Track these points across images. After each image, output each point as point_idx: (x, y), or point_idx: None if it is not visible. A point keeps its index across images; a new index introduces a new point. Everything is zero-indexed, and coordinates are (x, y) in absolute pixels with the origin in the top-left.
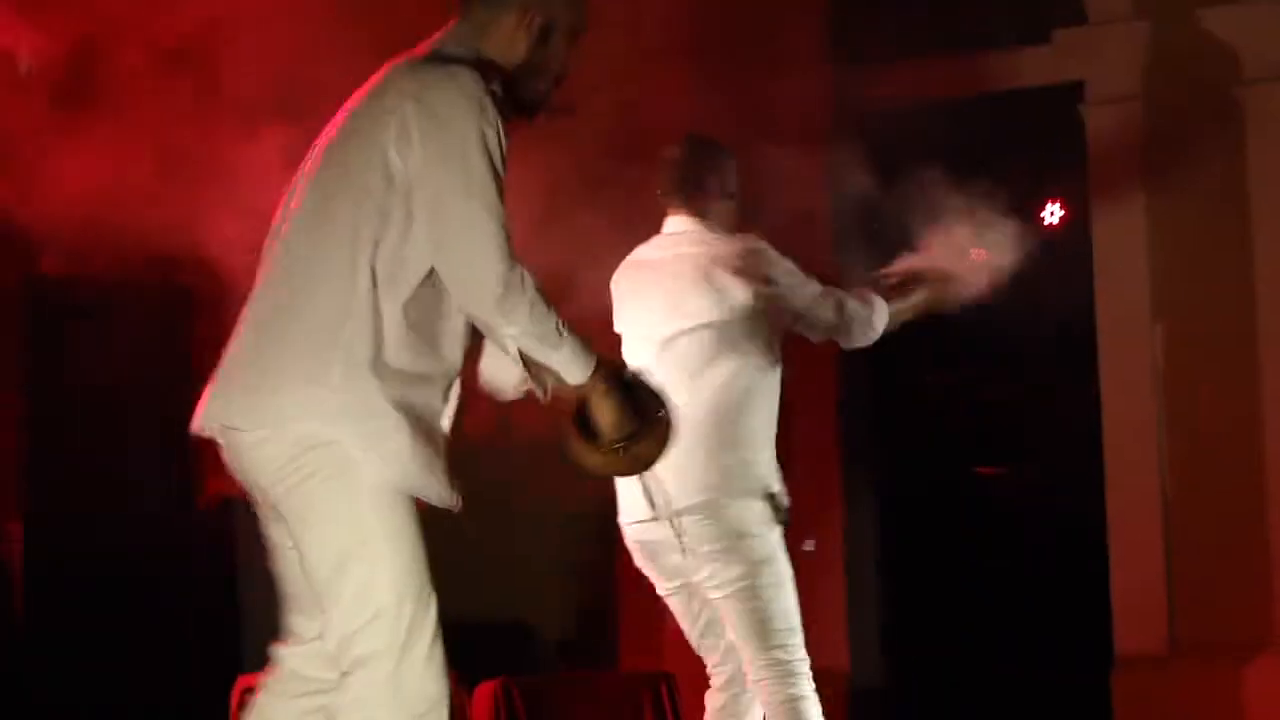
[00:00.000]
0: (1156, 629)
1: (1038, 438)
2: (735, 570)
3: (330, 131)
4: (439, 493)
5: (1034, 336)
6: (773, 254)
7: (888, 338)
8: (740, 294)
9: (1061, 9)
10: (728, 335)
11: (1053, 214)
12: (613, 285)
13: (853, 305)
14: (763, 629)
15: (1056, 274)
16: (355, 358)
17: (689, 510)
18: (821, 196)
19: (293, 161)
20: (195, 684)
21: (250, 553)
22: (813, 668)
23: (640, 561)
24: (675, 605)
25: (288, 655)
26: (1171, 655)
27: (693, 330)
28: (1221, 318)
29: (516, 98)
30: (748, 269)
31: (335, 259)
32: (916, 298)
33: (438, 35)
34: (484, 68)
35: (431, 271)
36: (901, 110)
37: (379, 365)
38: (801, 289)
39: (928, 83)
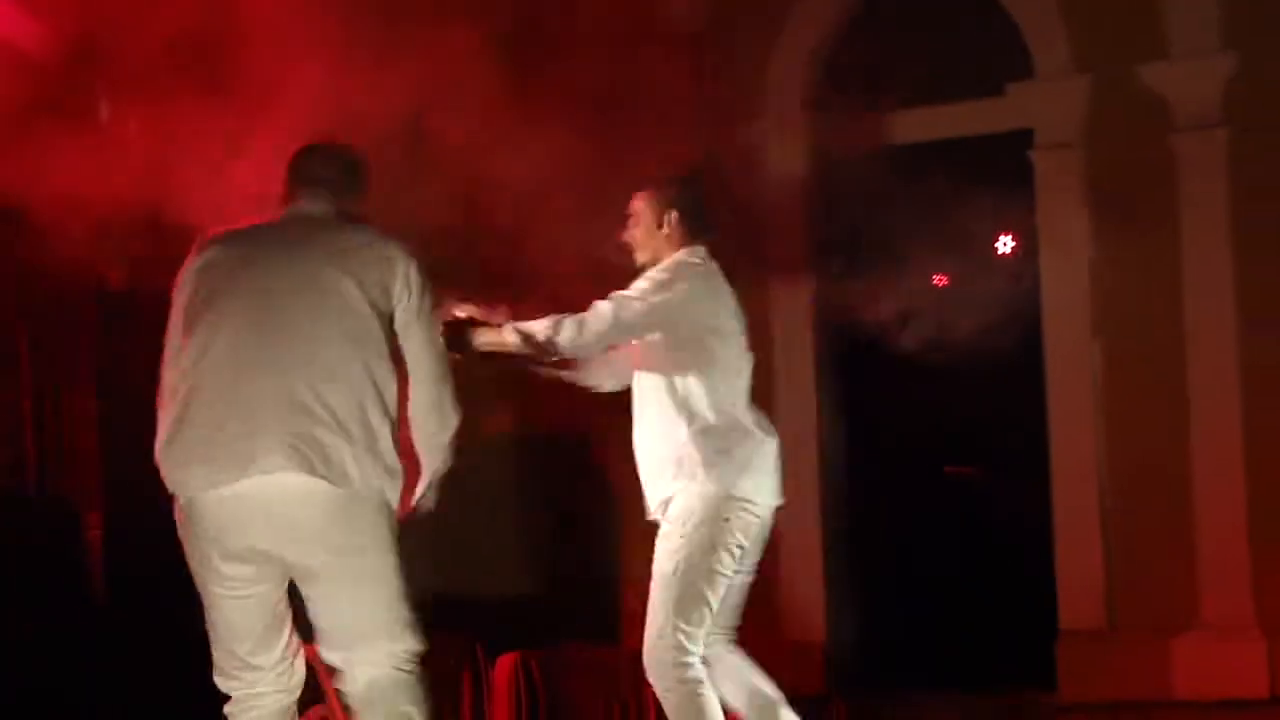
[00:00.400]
0: (1095, 607)
1: (995, 441)
2: None
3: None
4: None
5: (991, 351)
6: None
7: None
8: None
9: (1013, 65)
10: None
11: (1006, 245)
12: None
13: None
14: None
15: (1010, 297)
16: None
17: None
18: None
19: None
20: None
21: None
22: (792, 641)
23: (754, 541)
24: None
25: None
26: (1108, 630)
27: None
28: (1153, 336)
29: None
30: None
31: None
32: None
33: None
34: None
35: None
36: (875, 154)
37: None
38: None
39: (897, 131)
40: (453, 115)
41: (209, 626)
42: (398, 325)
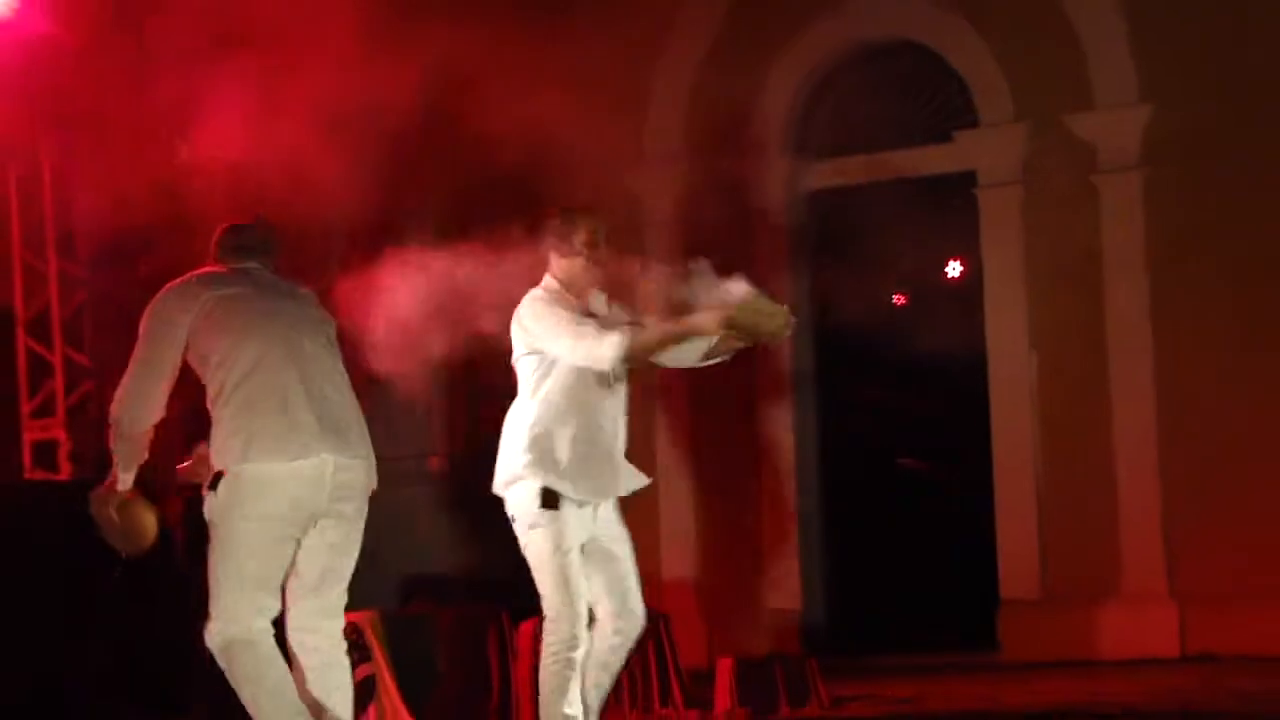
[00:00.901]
0: (1031, 580)
1: (945, 437)
2: None
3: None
4: None
5: (939, 360)
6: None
7: (835, 362)
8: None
9: (960, 115)
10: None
11: (955, 269)
12: None
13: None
14: None
15: (958, 314)
16: None
17: None
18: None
19: None
20: None
21: None
22: (772, 608)
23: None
24: None
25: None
26: (1042, 599)
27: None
28: (1080, 347)
29: None
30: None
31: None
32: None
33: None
34: None
35: None
36: (842, 191)
37: None
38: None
39: (860, 171)
40: None
41: (238, 576)
42: None
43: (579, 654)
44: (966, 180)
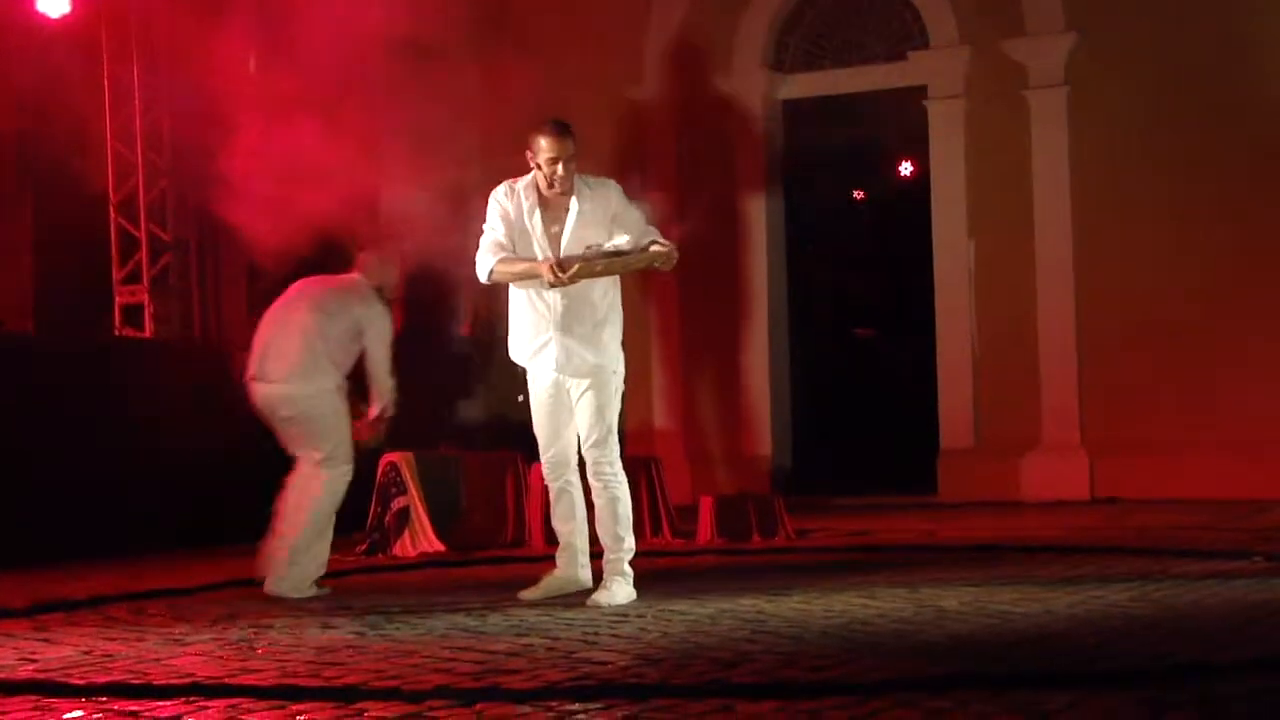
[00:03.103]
0: (966, 432)
1: (895, 311)
2: None
3: None
4: None
5: (891, 246)
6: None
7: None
8: None
9: (913, 38)
10: None
11: (906, 169)
12: None
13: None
14: None
15: (908, 207)
16: None
17: None
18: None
19: None
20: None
21: None
22: (746, 455)
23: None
24: None
25: None
26: (975, 449)
27: None
28: (1012, 236)
29: None
30: None
31: None
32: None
33: None
34: None
35: None
36: (810, 101)
37: None
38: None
39: (826, 85)
40: None
41: None
42: None
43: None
44: (918, 93)
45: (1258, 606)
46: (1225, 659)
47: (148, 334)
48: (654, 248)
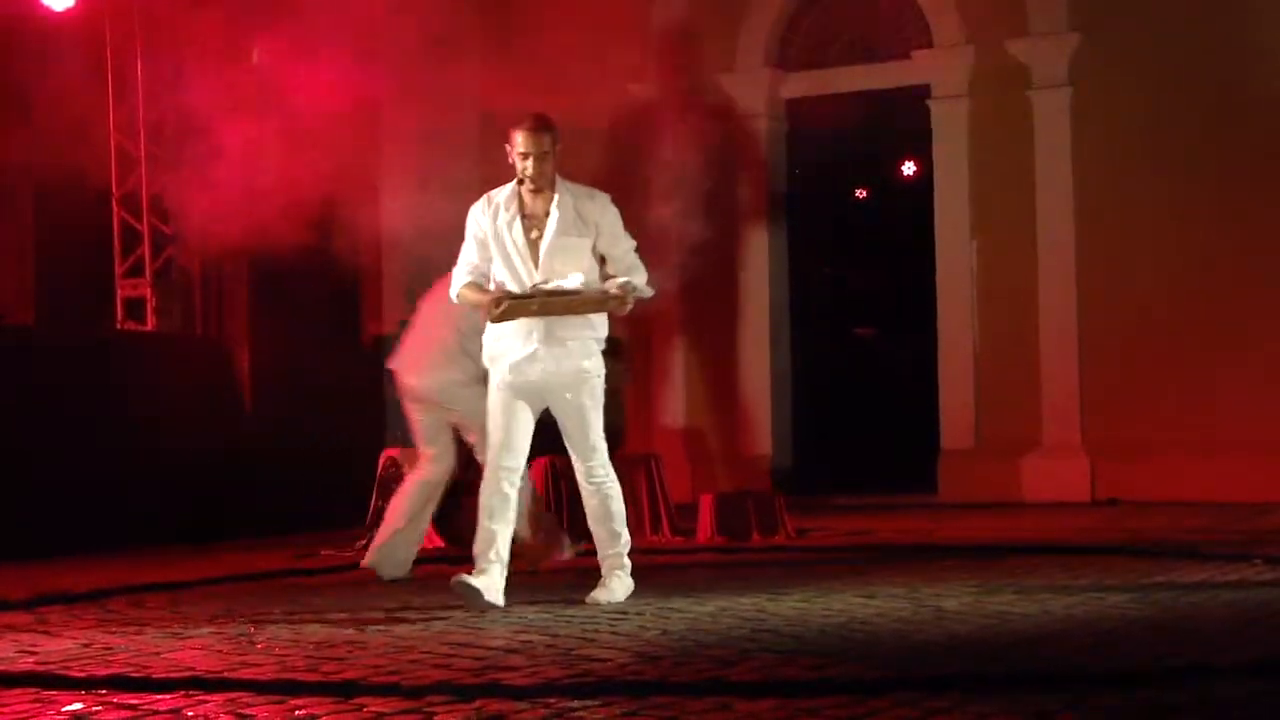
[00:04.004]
0: (966, 433)
1: (896, 310)
2: None
3: None
4: None
5: (893, 245)
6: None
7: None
8: None
9: (917, 37)
10: None
11: (909, 168)
12: None
13: None
14: None
15: (910, 205)
16: None
17: None
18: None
19: None
20: (358, 454)
21: None
22: (746, 454)
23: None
24: None
25: None
26: (975, 449)
27: None
28: (1014, 236)
29: None
30: None
31: None
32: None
33: None
34: None
35: None
36: (813, 100)
37: None
38: None
39: (829, 84)
40: None
41: None
42: None
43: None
44: (921, 92)
45: (1258, 609)
46: (1225, 661)
47: (150, 328)
48: (612, 291)
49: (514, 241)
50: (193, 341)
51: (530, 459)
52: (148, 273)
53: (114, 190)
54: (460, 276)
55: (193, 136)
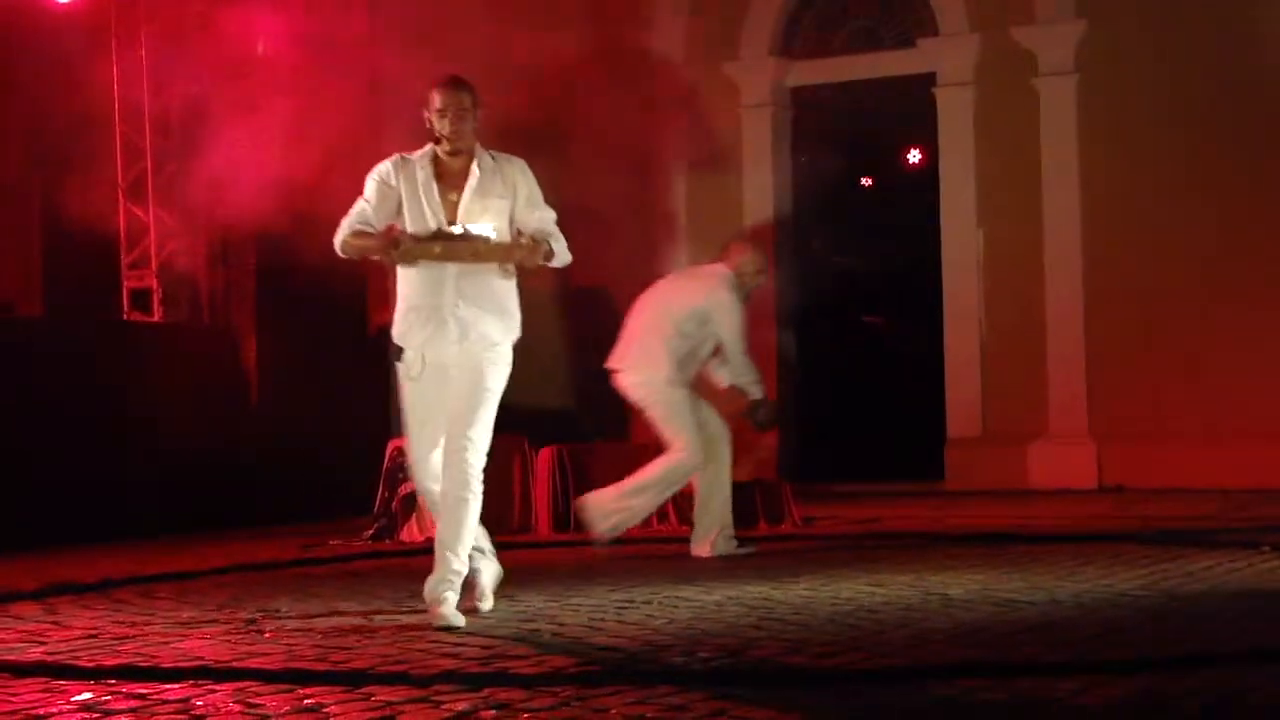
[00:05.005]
0: (973, 421)
1: (902, 299)
2: None
3: None
4: None
5: (902, 233)
6: None
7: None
8: None
9: (923, 25)
10: None
11: (915, 156)
12: None
13: None
14: None
15: (917, 195)
16: None
17: None
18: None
19: None
20: (365, 444)
21: None
22: (753, 442)
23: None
24: None
25: None
26: (982, 437)
27: None
28: (1020, 224)
29: None
30: None
31: None
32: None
33: None
34: None
35: None
36: (817, 89)
37: None
38: None
39: (834, 72)
40: None
41: None
42: None
43: None
44: (927, 81)
45: (1265, 596)
46: (1232, 649)
47: (156, 318)
48: (523, 240)
49: (429, 201)
50: (199, 332)
51: (537, 448)
52: (153, 263)
53: (120, 181)
54: (346, 228)
55: (198, 126)
